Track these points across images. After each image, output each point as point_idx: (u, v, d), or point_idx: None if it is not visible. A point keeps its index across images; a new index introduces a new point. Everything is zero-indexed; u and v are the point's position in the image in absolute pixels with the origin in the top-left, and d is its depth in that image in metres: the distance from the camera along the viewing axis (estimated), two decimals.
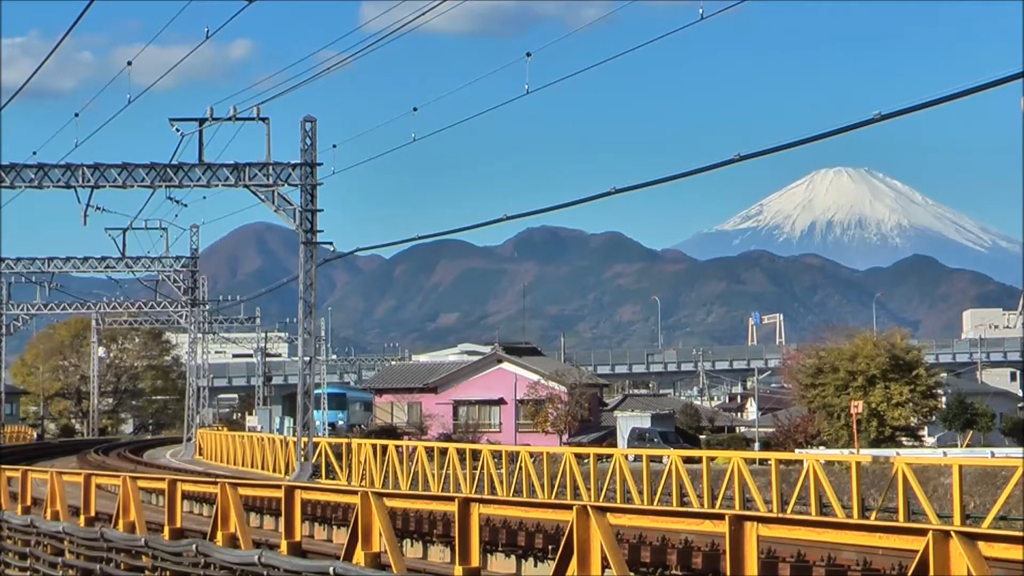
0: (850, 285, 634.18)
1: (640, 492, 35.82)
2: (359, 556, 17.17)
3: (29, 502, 29.53)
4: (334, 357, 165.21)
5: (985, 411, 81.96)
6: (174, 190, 54.27)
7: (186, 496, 32.23)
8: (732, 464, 33.68)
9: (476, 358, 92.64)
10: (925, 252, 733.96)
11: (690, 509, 27.92)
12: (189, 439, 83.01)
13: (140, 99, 44.05)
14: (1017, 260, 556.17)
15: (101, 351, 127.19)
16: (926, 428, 76.63)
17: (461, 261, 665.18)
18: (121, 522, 23.85)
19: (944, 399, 78.39)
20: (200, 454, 77.07)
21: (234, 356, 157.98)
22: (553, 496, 36.99)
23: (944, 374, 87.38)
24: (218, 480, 23.36)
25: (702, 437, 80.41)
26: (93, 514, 26.31)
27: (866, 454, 46.33)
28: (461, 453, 43.87)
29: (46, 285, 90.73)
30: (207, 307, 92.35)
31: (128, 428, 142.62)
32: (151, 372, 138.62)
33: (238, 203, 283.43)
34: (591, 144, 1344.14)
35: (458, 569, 16.34)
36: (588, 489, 37.47)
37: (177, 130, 50.38)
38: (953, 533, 11.41)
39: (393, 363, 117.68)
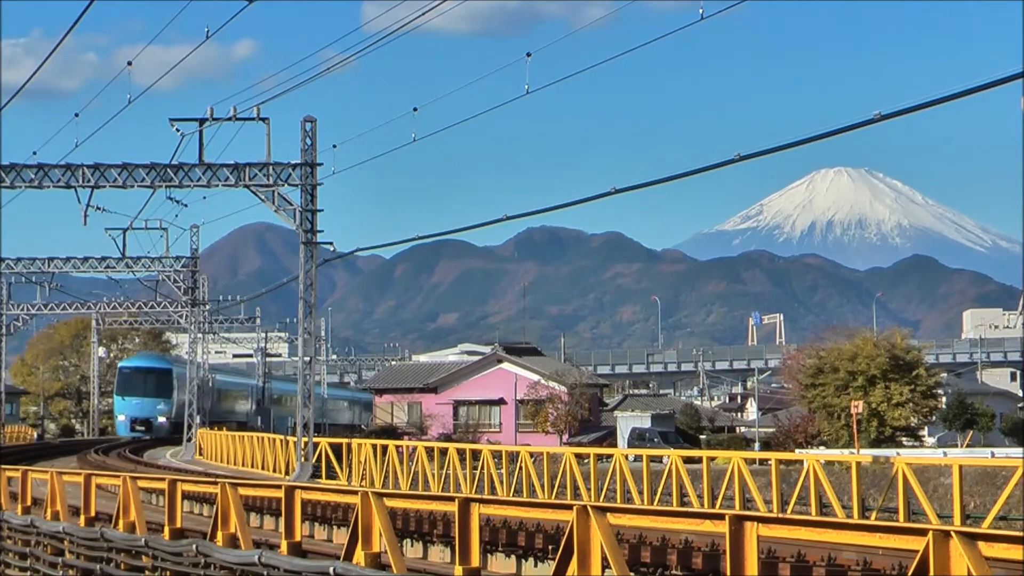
0: (850, 285, 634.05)
1: (640, 492, 35.80)
2: (359, 556, 17.16)
3: (29, 502, 29.51)
4: (334, 357, 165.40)
5: (985, 411, 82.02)
6: (174, 190, 54.19)
7: (186, 496, 32.19)
8: (732, 464, 33.66)
9: (476, 358, 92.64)
10: (925, 252, 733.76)
11: (690, 509, 27.89)
12: (189, 439, 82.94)
13: (141, 99, 44.15)
14: (1017, 260, 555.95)
15: (101, 351, 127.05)
16: (926, 428, 76.66)
17: (461, 261, 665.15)
18: (121, 522, 23.84)
19: (944, 399, 78.41)
20: (200, 454, 77.03)
21: (234, 356, 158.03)
22: (553, 496, 36.96)
23: (944, 374, 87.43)
24: (218, 480, 23.34)
25: (702, 437, 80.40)
26: (93, 514, 26.29)
27: (866, 454, 46.32)
28: (461, 453, 43.82)
29: (46, 285, 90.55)
30: (207, 307, 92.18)
31: None
32: None
33: (238, 203, 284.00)
34: (591, 144, 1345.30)
35: (458, 569, 16.34)
36: (588, 489, 37.44)
37: (177, 130, 50.33)
38: (953, 533, 11.41)
39: (393, 363, 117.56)
